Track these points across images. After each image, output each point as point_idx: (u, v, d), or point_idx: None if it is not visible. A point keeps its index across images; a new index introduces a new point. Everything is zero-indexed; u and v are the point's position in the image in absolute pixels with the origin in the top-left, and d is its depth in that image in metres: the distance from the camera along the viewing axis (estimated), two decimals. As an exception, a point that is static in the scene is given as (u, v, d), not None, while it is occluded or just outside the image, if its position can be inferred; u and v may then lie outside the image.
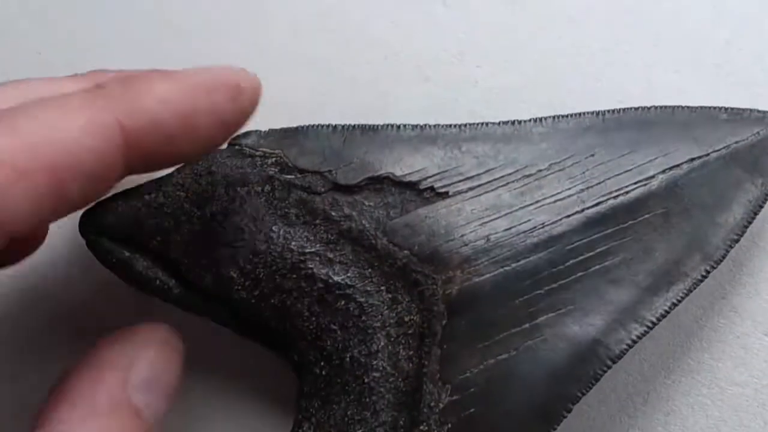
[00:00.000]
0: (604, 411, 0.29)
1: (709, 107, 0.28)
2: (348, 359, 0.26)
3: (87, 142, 0.20)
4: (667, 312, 0.26)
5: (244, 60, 0.33)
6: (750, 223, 0.26)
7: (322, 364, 0.26)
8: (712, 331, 0.29)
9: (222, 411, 0.31)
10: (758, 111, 0.27)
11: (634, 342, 0.25)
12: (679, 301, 0.26)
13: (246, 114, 0.23)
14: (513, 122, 0.28)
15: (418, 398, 0.25)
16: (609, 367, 0.25)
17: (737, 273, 0.30)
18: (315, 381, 0.26)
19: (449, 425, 0.25)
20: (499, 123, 0.28)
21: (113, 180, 0.21)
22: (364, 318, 0.26)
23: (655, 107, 0.28)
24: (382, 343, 0.26)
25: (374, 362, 0.26)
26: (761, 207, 0.27)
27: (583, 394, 0.25)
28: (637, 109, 0.28)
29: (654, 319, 0.25)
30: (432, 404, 0.25)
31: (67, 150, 0.19)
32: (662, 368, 0.29)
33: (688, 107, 0.28)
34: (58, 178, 0.19)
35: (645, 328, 0.25)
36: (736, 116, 0.27)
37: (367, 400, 0.25)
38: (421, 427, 0.25)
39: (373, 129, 0.28)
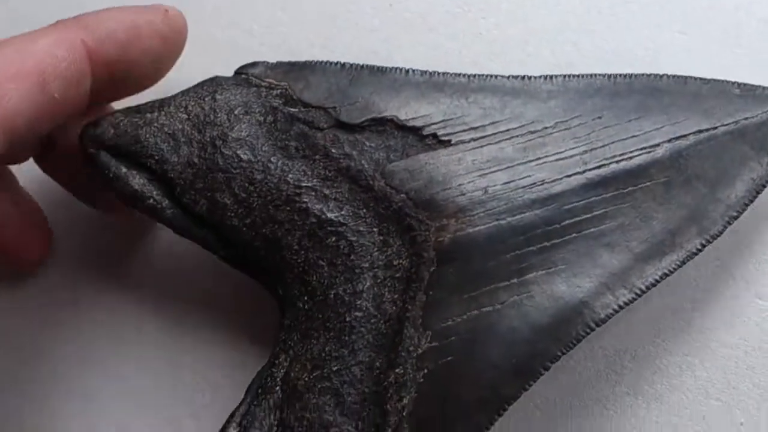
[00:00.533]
0: (590, 367, 0.29)
1: (723, 81, 0.27)
2: (332, 296, 0.26)
3: (59, 52, 0.25)
4: (657, 281, 0.25)
5: (251, 5, 0.33)
6: (751, 201, 0.26)
7: (305, 298, 0.26)
8: (704, 291, 0.29)
9: (201, 341, 0.31)
10: None
11: (621, 308, 0.25)
12: (671, 272, 0.25)
13: (179, 33, 0.28)
14: (523, 77, 0.27)
15: (398, 341, 0.25)
16: (592, 330, 0.25)
17: (733, 235, 0.29)
18: (297, 315, 0.26)
19: (425, 371, 0.25)
20: (508, 77, 0.28)
21: (85, 86, 0.26)
22: (353, 257, 0.26)
23: (668, 76, 0.27)
24: (368, 284, 0.26)
25: (358, 302, 0.25)
26: (764, 186, 0.26)
27: (563, 354, 0.25)
28: (649, 75, 0.27)
29: (643, 287, 0.25)
30: (411, 348, 0.25)
31: (45, 57, 0.25)
32: (652, 327, 0.29)
33: (700, 79, 0.27)
34: (43, 79, 0.25)
35: (633, 295, 0.25)
36: (749, 92, 0.27)
37: (347, 338, 0.25)
38: (397, 370, 0.25)
39: (381, 70, 0.28)
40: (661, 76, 0.27)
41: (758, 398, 0.28)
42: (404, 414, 0.24)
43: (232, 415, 0.26)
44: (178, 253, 0.31)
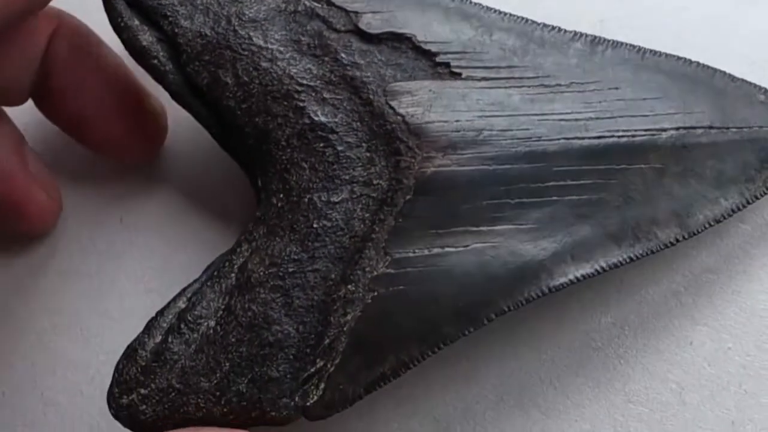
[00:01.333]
0: (575, 299, 0.29)
1: (751, 84, 0.26)
2: (306, 200, 0.26)
3: None
4: (621, 264, 0.25)
5: None
6: (739, 209, 0.26)
7: (281, 196, 0.26)
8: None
9: (177, 222, 0.32)
10: None
11: (578, 280, 0.25)
12: (638, 258, 0.25)
13: None
14: (553, 28, 0.27)
15: (357, 259, 0.25)
16: (544, 295, 0.25)
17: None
18: (269, 210, 0.26)
19: (375, 293, 0.25)
20: (541, 24, 0.27)
21: None
22: (335, 167, 0.26)
23: (698, 64, 0.26)
24: (343, 197, 0.25)
25: (329, 212, 0.25)
26: (757, 198, 0.26)
27: (510, 310, 0.25)
28: (679, 59, 0.27)
29: (605, 266, 0.25)
30: (367, 269, 0.25)
31: None
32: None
33: (730, 75, 0.26)
34: None
35: (593, 271, 0.25)
36: None
37: (310, 244, 0.25)
38: (349, 286, 0.25)
39: None
40: (691, 62, 0.27)
41: (744, 322, 0.28)
42: (345, 329, 0.25)
43: (184, 289, 0.26)
44: (184, 198, 0.32)
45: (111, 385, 0.25)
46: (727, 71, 0.27)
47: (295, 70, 0.26)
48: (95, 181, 0.32)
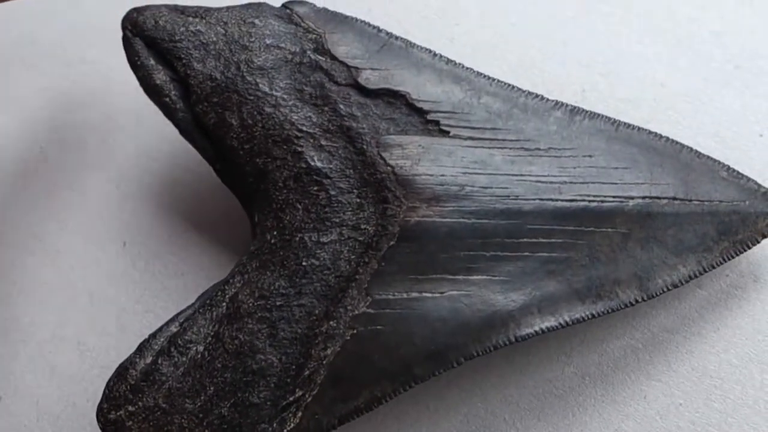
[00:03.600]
0: (542, 348, 0.31)
1: (715, 160, 0.28)
2: (297, 239, 0.27)
3: None
4: (584, 319, 0.27)
5: None
6: (696, 277, 0.27)
7: (275, 233, 0.28)
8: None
9: (176, 249, 0.33)
10: (756, 183, 0.28)
11: (543, 332, 0.26)
12: (599, 315, 0.27)
13: None
14: (537, 96, 0.29)
15: (340, 298, 0.27)
16: (511, 343, 0.26)
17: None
18: (263, 245, 0.28)
19: (354, 331, 0.26)
20: (526, 92, 0.29)
21: None
22: (327, 210, 0.27)
23: (667, 139, 0.28)
24: (332, 238, 0.27)
25: (318, 251, 0.27)
26: (713, 268, 0.27)
27: (478, 355, 0.26)
28: (650, 133, 0.28)
29: (569, 320, 0.27)
30: (349, 307, 0.27)
31: None
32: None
33: (696, 151, 0.28)
34: None
35: (557, 324, 0.27)
36: (734, 179, 0.28)
37: (298, 280, 0.27)
38: (331, 323, 0.27)
39: (411, 45, 0.29)
40: (661, 137, 0.28)
41: (696, 380, 0.30)
42: (324, 362, 0.26)
43: (177, 315, 0.28)
44: (184, 229, 0.34)
45: (101, 401, 0.27)
46: (696, 145, 0.29)
47: (296, 117, 0.28)
48: (102, 207, 0.34)
